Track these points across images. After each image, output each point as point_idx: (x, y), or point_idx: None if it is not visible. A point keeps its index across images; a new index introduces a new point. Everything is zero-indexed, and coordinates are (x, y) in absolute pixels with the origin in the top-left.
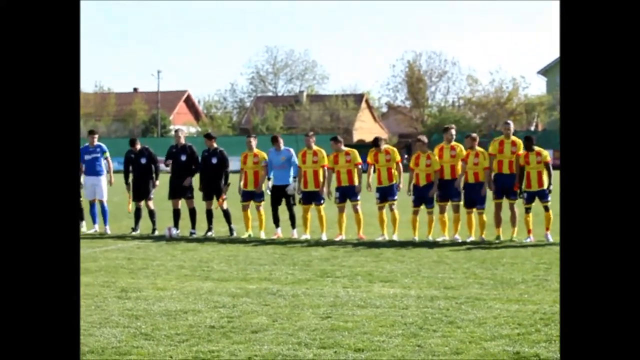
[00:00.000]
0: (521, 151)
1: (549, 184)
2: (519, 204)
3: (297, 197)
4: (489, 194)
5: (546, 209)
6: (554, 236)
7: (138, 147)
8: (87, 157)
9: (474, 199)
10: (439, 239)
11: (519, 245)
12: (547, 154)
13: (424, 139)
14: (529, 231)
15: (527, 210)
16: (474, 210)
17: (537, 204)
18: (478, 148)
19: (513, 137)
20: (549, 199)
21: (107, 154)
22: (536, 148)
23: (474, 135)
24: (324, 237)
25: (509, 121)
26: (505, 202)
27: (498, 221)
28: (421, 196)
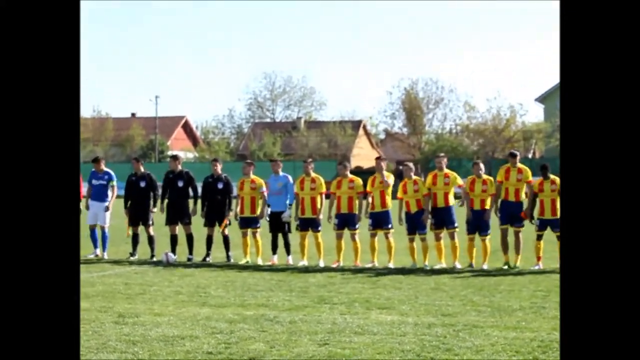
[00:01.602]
0: (531, 178)
1: None
2: (528, 231)
3: (294, 224)
4: (495, 221)
5: (559, 238)
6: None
7: (141, 169)
8: (94, 182)
9: (479, 226)
10: (437, 267)
11: (516, 272)
12: None
13: (410, 165)
14: (538, 258)
15: (539, 237)
16: (476, 236)
17: (549, 232)
18: (485, 176)
19: (520, 165)
20: None
21: (114, 182)
22: (551, 176)
23: (480, 162)
24: (322, 264)
25: (515, 152)
26: (510, 229)
27: (505, 247)
28: (414, 223)
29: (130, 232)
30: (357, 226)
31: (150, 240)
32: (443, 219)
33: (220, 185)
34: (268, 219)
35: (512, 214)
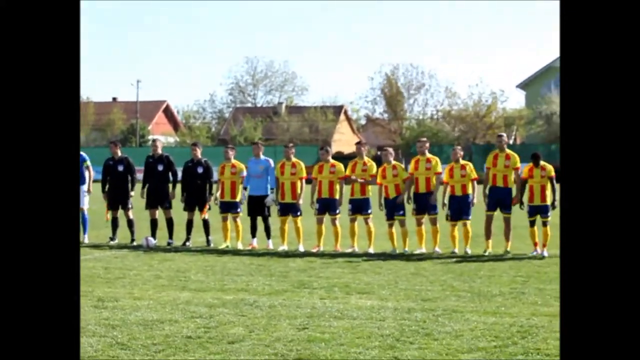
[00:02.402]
0: (519, 165)
1: (553, 199)
2: (521, 218)
3: (275, 208)
4: (481, 205)
5: (544, 224)
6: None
7: (119, 153)
8: None
9: (460, 211)
10: (417, 252)
11: (496, 258)
12: (552, 169)
13: (390, 150)
14: (535, 244)
15: (532, 224)
16: (459, 222)
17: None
18: (463, 161)
19: (508, 151)
20: (549, 214)
21: (88, 163)
22: (541, 162)
23: (458, 148)
24: (301, 249)
25: (502, 134)
26: (499, 215)
27: (488, 234)
28: (392, 208)
29: (109, 217)
30: (337, 211)
31: (130, 224)
32: (425, 204)
33: (200, 170)
34: (244, 201)
35: (500, 200)
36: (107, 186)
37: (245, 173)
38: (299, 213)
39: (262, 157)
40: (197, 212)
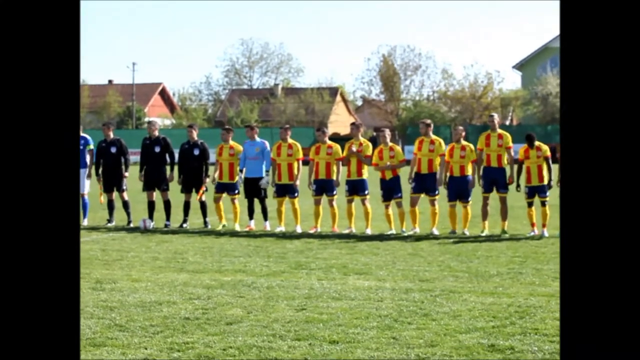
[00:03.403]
0: (511, 144)
1: (549, 179)
2: (517, 198)
3: (271, 189)
4: (477, 187)
5: (543, 204)
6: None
7: (111, 135)
8: None
9: (459, 193)
10: (410, 232)
11: (494, 238)
12: (547, 149)
13: (387, 131)
14: (532, 224)
15: (530, 205)
16: (457, 203)
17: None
18: (464, 142)
19: (500, 130)
20: (548, 194)
21: (91, 146)
22: (536, 143)
23: (460, 128)
24: (299, 230)
25: (493, 114)
26: (495, 195)
27: (485, 214)
28: (389, 189)
29: (104, 199)
30: (334, 192)
31: (126, 205)
32: (425, 185)
33: (196, 152)
34: (241, 183)
35: (495, 180)
36: (100, 168)
37: (241, 155)
38: (296, 194)
39: (257, 139)
40: (194, 193)
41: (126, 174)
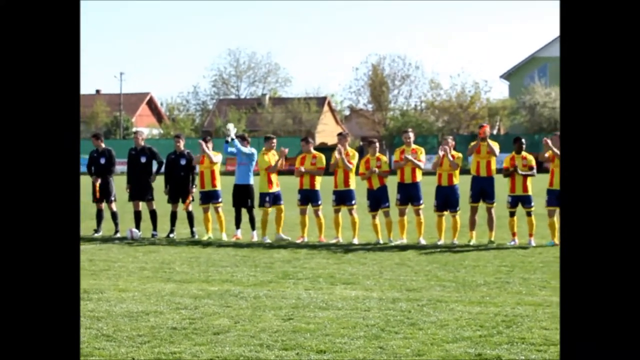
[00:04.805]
0: (497, 152)
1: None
2: (504, 208)
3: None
4: (465, 196)
5: (529, 214)
6: (537, 240)
7: (102, 145)
8: None
9: (448, 202)
10: (398, 242)
11: (481, 248)
12: (533, 159)
13: (375, 141)
14: (513, 234)
15: (512, 214)
16: (446, 213)
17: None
18: (453, 152)
19: (489, 141)
20: (533, 204)
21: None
22: (523, 152)
23: (449, 138)
24: (281, 237)
25: (482, 124)
26: (482, 205)
27: (472, 224)
28: (376, 199)
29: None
30: (319, 202)
31: (114, 216)
32: (409, 194)
33: (183, 162)
34: (229, 134)
35: (483, 190)
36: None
37: (220, 158)
38: (280, 202)
39: (249, 148)
40: (180, 203)
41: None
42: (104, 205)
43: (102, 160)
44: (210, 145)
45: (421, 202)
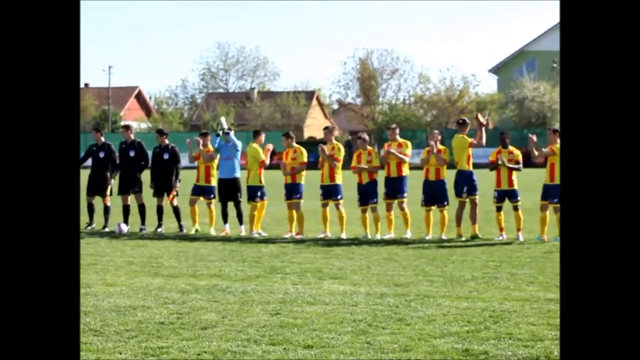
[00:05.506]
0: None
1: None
2: (491, 202)
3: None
4: (451, 192)
5: (515, 208)
6: (525, 235)
7: (102, 139)
8: None
9: (435, 197)
10: (386, 237)
11: (468, 243)
12: (519, 153)
13: (365, 136)
14: (501, 229)
15: (499, 209)
16: (433, 208)
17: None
18: (440, 145)
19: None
20: (519, 198)
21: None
22: (509, 147)
23: (436, 132)
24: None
25: (464, 118)
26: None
27: (459, 220)
28: (365, 193)
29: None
30: (299, 195)
31: (106, 210)
32: (395, 188)
33: (166, 156)
34: (220, 129)
35: (467, 184)
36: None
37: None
38: (264, 197)
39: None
40: (165, 197)
41: (112, 180)
42: (96, 199)
43: (101, 154)
44: (208, 140)
45: (405, 195)
